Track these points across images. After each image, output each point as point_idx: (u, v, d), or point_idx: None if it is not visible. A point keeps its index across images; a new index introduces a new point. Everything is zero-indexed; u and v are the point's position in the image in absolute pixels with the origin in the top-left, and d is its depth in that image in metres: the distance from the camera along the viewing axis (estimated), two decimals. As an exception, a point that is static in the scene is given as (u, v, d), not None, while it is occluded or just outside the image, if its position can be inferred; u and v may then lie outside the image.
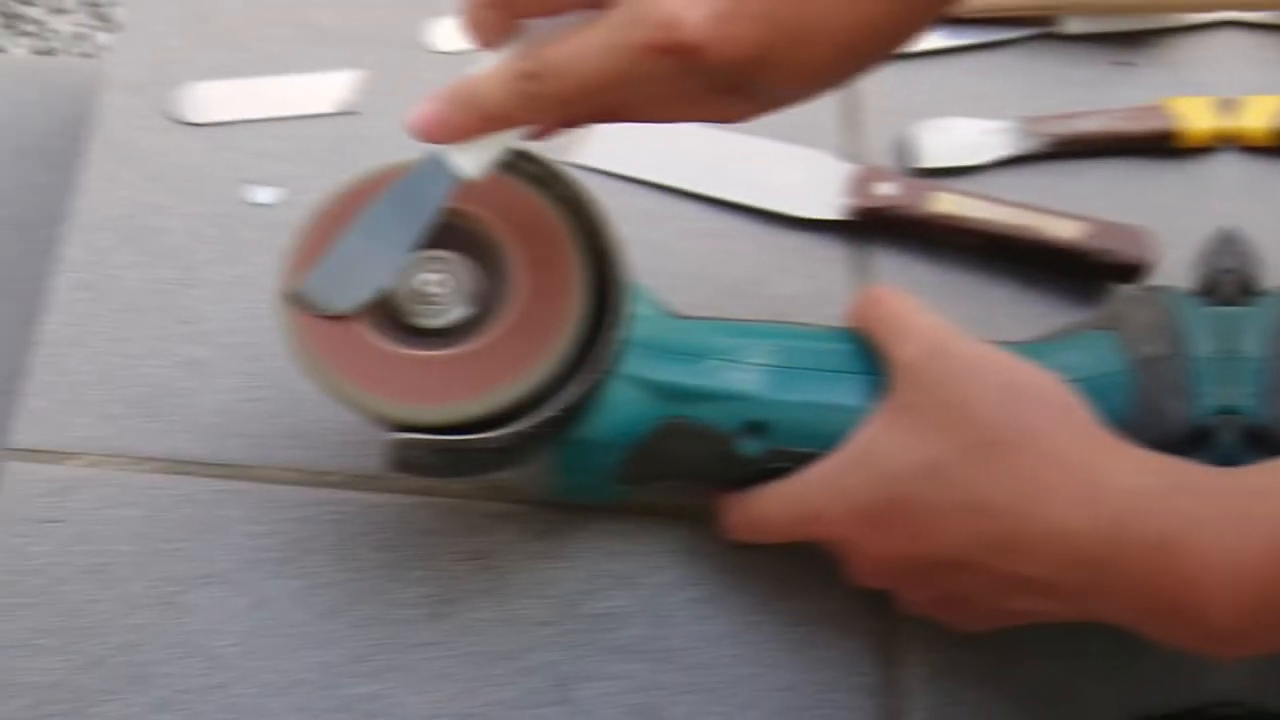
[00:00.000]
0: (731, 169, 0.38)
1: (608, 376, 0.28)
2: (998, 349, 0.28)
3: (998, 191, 0.37)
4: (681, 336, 0.30)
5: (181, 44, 0.41)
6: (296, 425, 0.34)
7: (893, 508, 0.27)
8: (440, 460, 0.28)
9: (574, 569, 0.32)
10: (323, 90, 0.38)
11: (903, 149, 0.39)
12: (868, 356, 0.29)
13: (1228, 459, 0.27)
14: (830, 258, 0.37)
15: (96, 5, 0.94)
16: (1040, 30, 0.41)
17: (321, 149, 0.39)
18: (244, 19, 0.42)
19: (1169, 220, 0.37)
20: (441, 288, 0.28)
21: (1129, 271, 0.35)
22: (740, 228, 0.37)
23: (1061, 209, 0.36)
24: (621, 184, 0.38)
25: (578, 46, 0.24)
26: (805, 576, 0.32)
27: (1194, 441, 0.28)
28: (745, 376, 0.29)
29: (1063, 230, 0.35)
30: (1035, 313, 0.35)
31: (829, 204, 0.37)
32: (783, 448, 0.29)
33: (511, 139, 0.27)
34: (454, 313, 0.28)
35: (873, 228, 0.37)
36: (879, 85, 0.39)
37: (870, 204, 0.36)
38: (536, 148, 0.29)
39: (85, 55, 0.92)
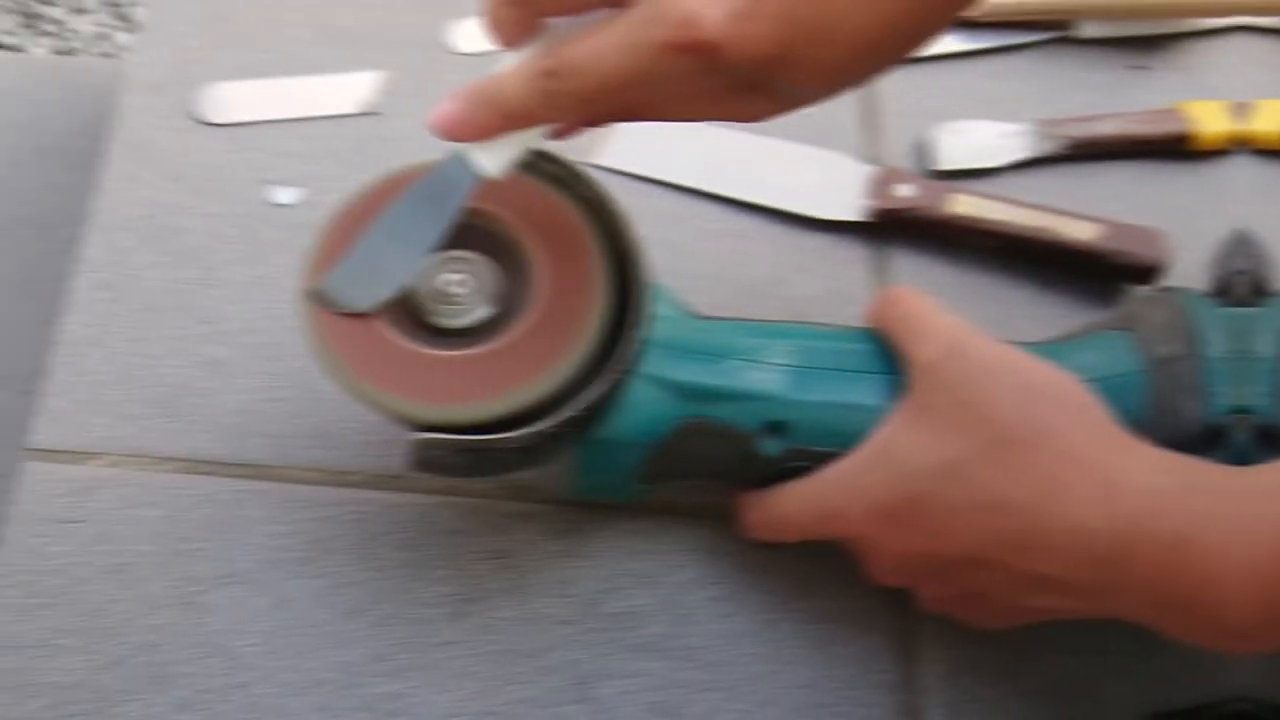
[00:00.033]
0: (752, 170, 0.39)
1: (629, 376, 0.29)
2: (1015, 349, 0.29)
3: (1015, 193, 0.38)
4: (702, 337, 0.31)
5: (202, 44, 0.42)
6: (318, 425, 0.35)
7: (911, 506, 0.28)
8: (462, 460, 0.29)
9: (595, 568, 0.33)
10: (344, 91, 0.40)
11: (921, 151, 0.40)
12: (887, 356, 0.31)
13: (1241, 458, 0.29)
14: (849, 259, 0.38)
15: (117, 5, 0.96)
16: (1057, 34, 0.42)
17: (343, 149, 0.40)
18: (265, 19, 0.43)
19: (1183, 222, 0.38)
20: (463, 288, 0.30)
21: (1144, 273, 0.36)
22: (760, 229, 0.39)
23: (1078, 211, 0.37)
24: (642, 185, 0.40)
25: (597, 44, 0.25)
26: (825, 575, 0.33)
27: (1208, 441, 0.29)
28: (765, 376, 0.30)
29: (1079, 232, 0.37)
30: (1052, 313, 0.37)
31: (848, 205, 0.38)
32: (802, 447, 0.30)
33: (533, 138, 0.28)
34: (476, 313, 0.30)
35: (892, 229, 0.38)
36: (898, 88, 0.41)
37: (889, 205, 0.38)
38: (557, 149, 0.30)
39: (105, 55, 0.94)
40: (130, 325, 0.37)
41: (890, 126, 0.41)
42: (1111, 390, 0.29)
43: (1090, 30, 0.42)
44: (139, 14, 0.98)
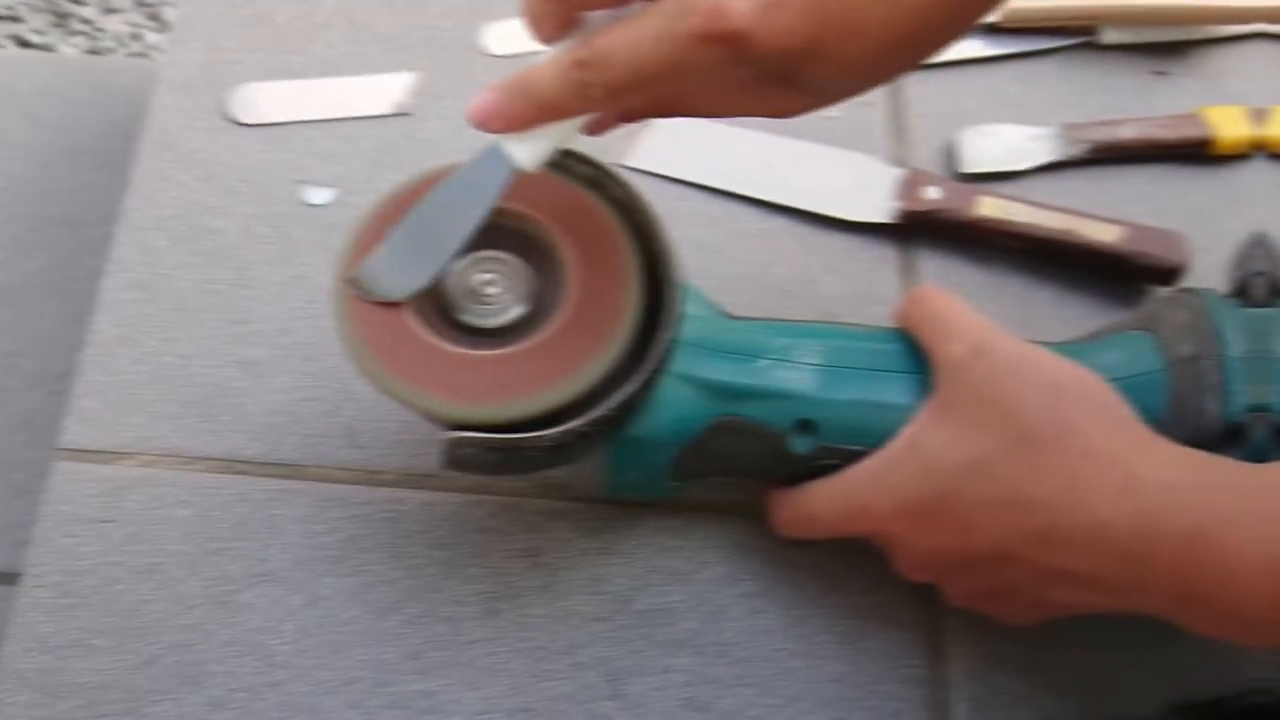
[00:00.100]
0: (782, 173, 0.42)
1: (660, 375, 0.32)
2: (1040, 348, 0.32)
3: (1040, 196, 0.42)
4: (733, 336, 0.33)
5: (235, 44, 0.45)
6: (350, 424, 0.38)
7: (938, 503, 0.31)
8: (494, 458, 0.31)
9: (626, 565, 0.36)
10: (377, 92, 0.43)
11: (948, 154, 0.43)
12: (914, 356, 0.33)
13: (1260, 455, 0.31)
14: (878, 259, 0.41)
15: (147, 5, 1.00)
16: (1080, 40, 0.46)
17: (375, 150, 0.43)
18: (297, 20, 0.46)
19: (1203, 225, 0.41)
20: (496, 287, 0.32)
21: (1165, 274, 0.39)
22: (790, 230, 0.42)
23: (1101, 213, 0.40)
24: (673, 186, 0.43)
25: (629, 35, 0.27)
26: (853, 571, 0.36)
27: (1227, 438, 0.32)
28: (795, 375, 0.33)
29: (1102, 234, 0.40)
30: (1075, 313, 0.40)
31: (877, 207, 0.41)
32: (832, 445, 0.33)
33: (568, 131, 0.30)
34: (508, 312, 0.32)
35: (919, 230, 0.41)
36: (925, 92, 0.44)
37: (917, 207, 0.41)
38: (590, 150, 0.33)
39: (136, 55, 0.98)
40: (162, 325, 0.40)
41: (918, 130, 0.44)
42: (1133, 389, 0.31)
43: (1112, 36, 0.45)
44: (170, 14, 1.01)
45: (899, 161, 0.43)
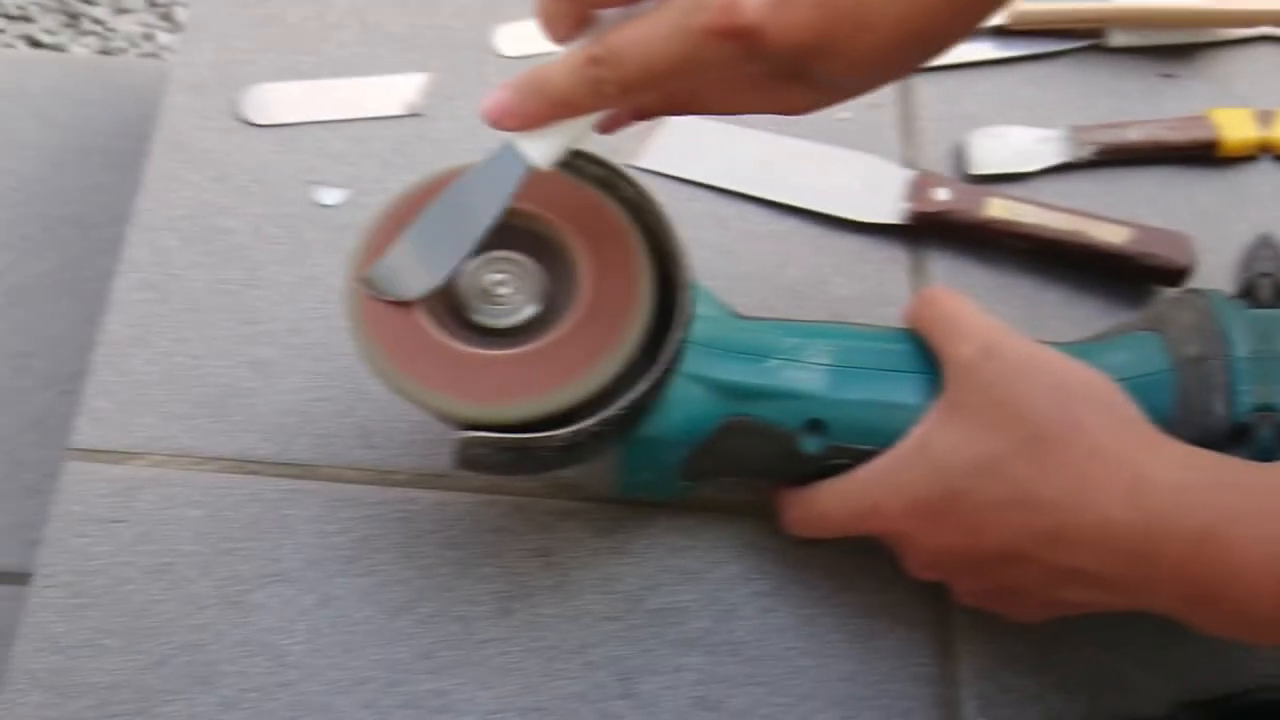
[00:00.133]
0: (792, 174, 0.43)
1: (672, 375, 0.33)
2: (1049, 349, 0.33)
3: (1048, 197, 0.43)
4: (744, 336, 0.35)
5: (246, 45, 0.46)
6: (362, 424, 0.39)
7: (947, 502, 0.32)
8: (506, 458, 0.32)
9: (638, 564, 0.37)
10: (389, 93, 0.44)
11: (958, 156, 0.45)
12: (924, 356, 0.34)
13: (1266, 454, 0.32)
14: (888, 260, 0.42)
15: (159, 5, 1.01)
16: (1089, 43, 0.47)
17: (387, 151, 0.44)
18: (309, 21, 0.47)
19: (1210, 226, 0.43)
20: (508, 288, 0.33)
21: (1172, 275, 0.41)
22: (800, 231, 0.43)
23: (1109, 215, 0.41)
24: (684, 187, 0.44)
25: (641, 31, 0.28)
26: (864, 570, 0.37)
27: (1234, 438, 0.33)
28: (806, 375, 0.34)
29: (1109, 235, 0.41)
30: (1083, 314, 0.41)
31: (887, 208, 0.42)
32: (842, 445, 0.34)
33: (582, 129, 0.31)
34: (520, 312, 0.33)
35: (928, 231, 0.43)
36: (935, 94, 0.45)
37: (926, 208, 0.42)
38: (601, 150, 0.34)
39: (147, 55, 0.99)
40: (174, 325, 0.41)
41: (928, 131, 0.45)
42: (1141, 389, 0.32)
43: (1120, 39, 0.46)
44: (182, 14, 1.03)
45: (909, 163, 0.44)
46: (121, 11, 0.97)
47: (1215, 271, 0.41)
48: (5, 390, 0.42)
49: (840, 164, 0.43)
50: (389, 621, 0.36)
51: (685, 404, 0.33)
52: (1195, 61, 0.47)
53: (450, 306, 0.32)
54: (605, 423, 0.31)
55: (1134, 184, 0.44)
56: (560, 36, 0.30)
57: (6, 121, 0.44)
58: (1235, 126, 0.43)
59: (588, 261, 0.32)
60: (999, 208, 0.41)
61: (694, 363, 0.33)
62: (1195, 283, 0.40)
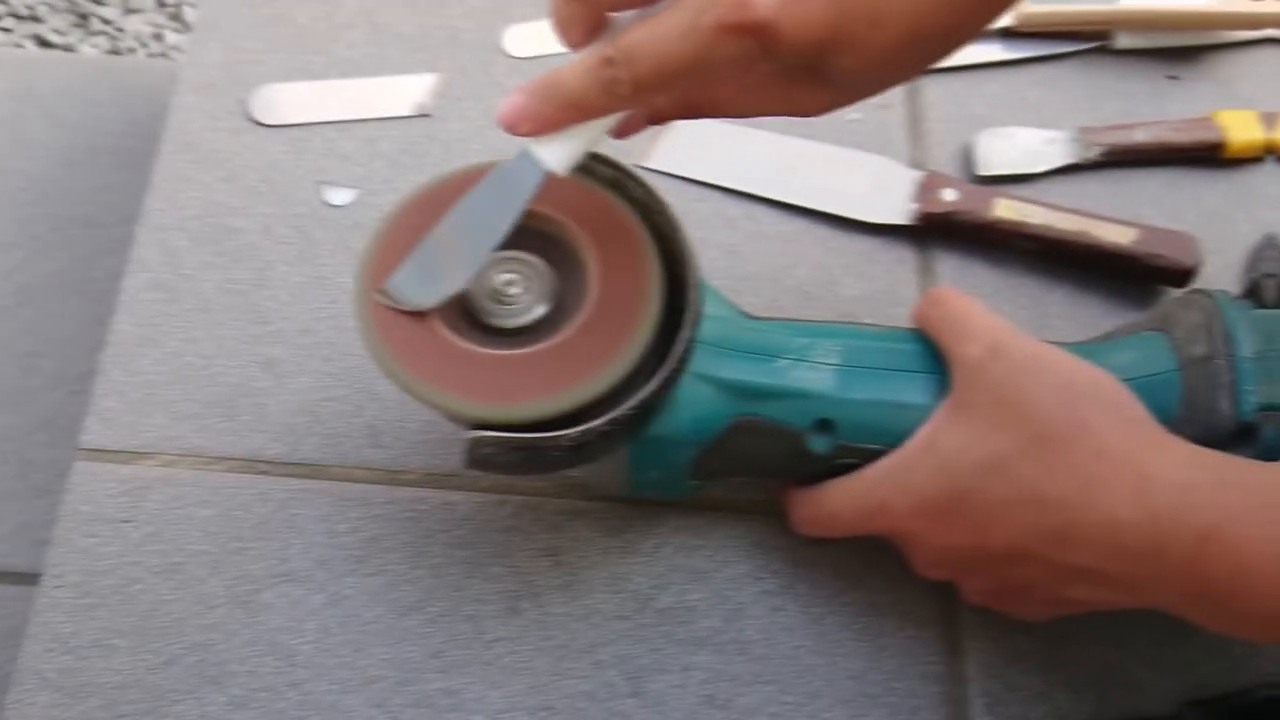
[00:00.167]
0: (801, 175, 0.44)
1: (681, 375, 0.33)
2: (1055, 349, 0.33)
3: (1055, 198, 0.44)
4: (753, 336, 0.35)
5: (256, 45, 0.47)
6: (372, 424, 0.40)
7: (955, 501, 0.32)
8: (515, 458, 0.33)
9: (647, 564, 0.38)
10: (398, 93, 0.44)
11: (965, 157, 0.46)
12: (932, 356, 0.35)
13: (1271, 453, 0.33)
14: (896, 261, 0.43)
15: (168, 5, 1.02)
16: (1095, 44, 0.48)
17: (396, 151, 0.45)
18: (318, 21, 0.48)
19: (1215, 227, 0.44)
20: (518, 288, 0.33)
21: (1178, 275, 0.42)
22: (809, 231, 0.44)
23: (1115, 215, 0.42)
24: (694, 188, 0.45)
25: (654, 30, 0.29)
26: (872, 569, 0.38)
27: (1239, 437, 0.33)
28: (815, 375, 0.35)
29: (1115, 236, 0.42)
30: (1089, 314, 0.42)
31: (895, 209, 0.43)
32: (850, 444, 0.34)
33: (597, 133, 0.31)
34: (530, 313, 0.33)
35: (936, 232, 0.43)
36: (943, 95, 0.46)
37: (934, 209, 0.43)
38: (610, 151, 0.34)
39: (156, 55, 1.00)
40: (183, 325, 0.41)
41: (935, 133, 0.46)
42: (1147, 389, 0.33)
43: (1126, 41, 0.47)
44: (191, 14, 1.04)
45: (917, 164, 0.45)
46: (131, 11, 0.99)
47: (1221, 272, 0.42)
48: (14, 390, 0.43)
49: (848, 165, 0.44)
50: (398, 621, 0.37)
51: (694, 404, 0.34)
52: (1201, 64, 0.48)
53: (460, 307, 0.33)
54: (614, 422, 0.32)
55: (1140, 185, 0.45)
56: (575, 41, 0.30)
57: (16, 121, 0.45)
58: (1240, 128, 0.44)
59: (597, 262, 0.33)
60: (1006, 208, 0.42)
61: (703, 362, 0.34)
62: (1201, 283, 0.41)
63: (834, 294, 0.42)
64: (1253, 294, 0.38)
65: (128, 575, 0.37)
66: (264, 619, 0.36)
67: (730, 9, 0.27)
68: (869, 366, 0.35)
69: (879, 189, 0.43)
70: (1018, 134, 0.45)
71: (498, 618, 0.37)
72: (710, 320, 0.34)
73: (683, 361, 0.32)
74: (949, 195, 0.43)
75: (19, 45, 0.97)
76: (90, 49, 0.97)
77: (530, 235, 0.33)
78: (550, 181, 0.31)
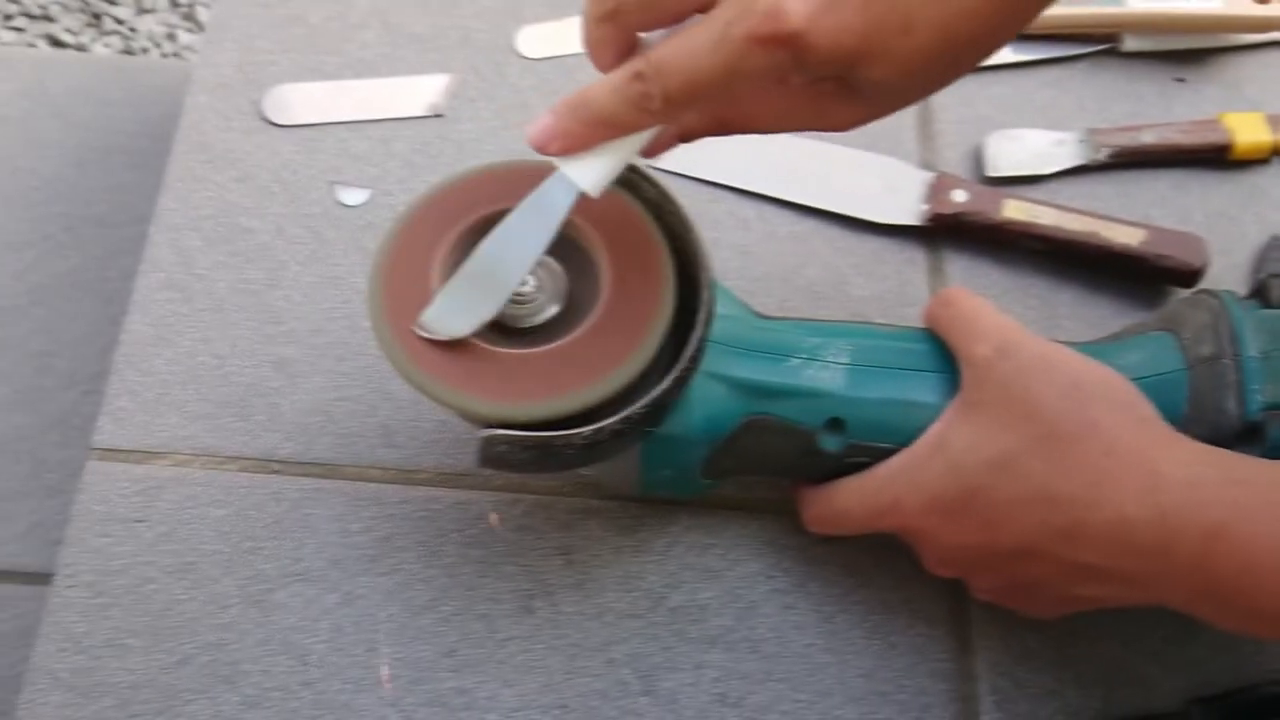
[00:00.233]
0: (813, 176, 0.46)
1: (693, 374, 0.34)
2: (1064, 348, 0.34)
3: (1063, 199, 0.45)
4: (764, 336, 0.36)
5: (269, 45, 0.48)
6: (385, 424, 0.41)
7: (964, 500, 0.33)
8: (528, 457, 0.33)
9: (659, 562, 0.39)
10: (411, 93, 0.45)
11: (975, 158, 0.47)
12: (942, 355, 0.36)
13: (1277, 452, 0.34)
14: (906, 261, 0.44)
15: (181, 5, 1.03)
16: (1104, 47, 0.49)
17: (409, 151, 0.46)
18: (331, 21, 0.49)
19: (1222, 228, 0.45)
20: (531, 288, 0.34)
21: (1185, 276, 0.43)
22: (821, 232, 0.45)
23: (1123, 216, 0.44)
24: (706, 188, 0.46)
25: (685, 43, 0.29)
26: (882, 568, 0.39)
27: (1246, 436, 0.34)
28: (826, 374, 0.36)
29: (1123, 236, 0.43)
30: (1097, 314, 0.43)
31: (906, 210, 0.45)
32: (861, 443, 0.35)
33: (629, 151, 0.32)
34: (544, 312, 0.34)
35: (946, 232, 0.45)
36: (953, 97, 0.47)
37: (944, 210, 0.44)
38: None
39: (170, 55, 1.01)
40: (196, 325, 0.42)
41: (946, 134, 0.47)
42: (1155, 388, 0.34)
43: (1134, 44, 0.49)
44: (204, 14, 1.05)
45: (927, 165, 0.46)
46: (144, 11, 1.00)
47: (1227, 272, 0.44)
48: (28, 390, 0.44)
49: (859, 166, 0.45)
50: (411, 620, 0.38)
51: (706, 403, 0.35)
52: (1208, 66, 0.49)
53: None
54: (627, 421, 0.32)
55: (1148, 186, 0.46)
56: (606, 64, 0.31)
57: (29, 121, 0.46)
58: (1247, 130, 0.46)
59: (610, 262, 0.34)
60: (1015, 209, 0.44)
61: (715, 362, 0.35)
62: (1208, 283, 0.42)
63: (845, 294, 0.43)
64: (1259, 294, 0.39)
65: (141, 575, 0.38)
66: (277, 618, 0.38)
67: (761, 20, 0.28)
68: (880, 366, 0.36)
69: (889, 190, 0.45)
70: (1027, 135, 0.46)
71: (511, 616, 0.38)
72: (722, 320, 0.35)
73: (695, 361, 0.33)
74: (959, 196, 0.44)
75: (32, 45, 0.98)
76: (103, 49, 0.98)
77: None
78: (594, 197, 0.32)
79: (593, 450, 0.33)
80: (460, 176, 0.35)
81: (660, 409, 0.33)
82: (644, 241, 0.34)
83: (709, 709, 0.37)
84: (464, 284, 0.33)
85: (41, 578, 0.40)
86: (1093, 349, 0.36)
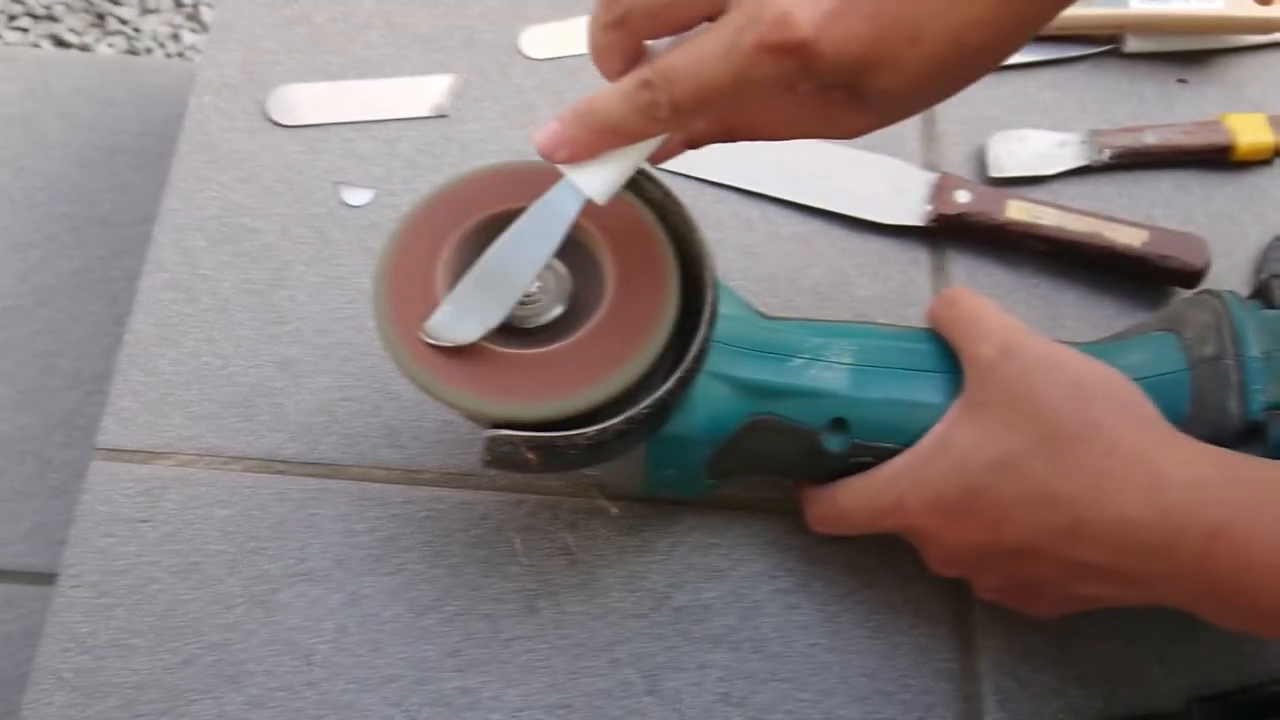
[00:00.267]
0: (816, 176, 0.46)
1: (697, 374, 0.34)
2: (1067, 348, 0.35)
3: (1066, 200, 0.46)
4: (768, 336, 0.37)
5: (273, 46, 0.49)
6: (389, 424, 0.41)
7: (968, 499, 0.34)
8: (533, 456, 0.33)
9: (663, 562, 0.40)
10: (415, 94, 0.46)
11: (979, 159, 0.47)
12: (945, 355, 0.36)
13: (1278, 452, 0.34)
14: (910, 262, 0.45)
15: (185, 5, 1.04)
16: (1106, 48, 0.50)
17: (413, 152, 0.46)
18: (336, 22, 0.50)
19: (1225, 229, 0.46)
20: (535, 288, 0.34)
21: (1187, 276, 0.43)
22: (825, 232, 0.46)
23: (1125, 217, 0.44)
24: (711, 189, 0.47)
25: (693, 51, 0.29)
26: (886, 567, 0.39)
27: (1247, 436, 0.35)
28: (829, 375, 0.36)
29: (1126, 237, 0.43)
30: (1100, 314, 0.44)
31: (910, 211, 0.45)
32: (865, 443, 0.36)
33: (636, 158, 0.32)
34: (548, 312, 0.34)
35: (949, 233, 0.45)
36: (956, 98, 0.47)
37: (948, 211, 0.45)
38: None
39: (173, 55, 1.02)
40: (201, 325, 0.43)
41: (949, 135, 0.48)
42: (1157, 388, 0.35)
43: (1136, 45, 0.49)
44: (208, 14, 1.06)
45: (930, 166, 0.47)
46: (148, 11, 1.01)
47: (1229, 273, 0.44)
48: (32, 390, 0.45)
49: (863, 167, 0.46)
50: (416, 620, 0.38)
51: (710, 403, 0.35)
52: (1210, 67, 0.49)
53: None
54: (631, 421, 0.33)
55: (1150, 187, 0.47)
56: (613, 71, 0.31)
57: (33, 121, 0.47)
58: (1249, 131, 0.46)
59: (614, 262, 0.34)
60: (1018, 210, 0.44)
61: (719, 362, 0.35)
62: (1210, 284, 0.43)
63: (848, 294, 0.44)
64: (1261, 295, 0.40)
65: (145, 575, 0.38)
66: (282, 618, 0.38)
67: (770, 28, 0.28)
68: (883, 366, 0.36)
69: (893, 191, 0.45)
70: (1030, 136, 0.47)
71: (515, 616, 0.38)
72: (726, 320, 0.35)
73: (699, 361, 0.34)
74: (962, 197, 0.44)
75: (36, 45, 0.99)
76: (107, 49, 0.99)
77: None
78: (600, 204, 0.32)
79: (597, 450, 0.33)
80: (465, 177, 0.35)
81: (664, 409, 0.34)
82: (648, 242, 0.34)
83: (713, 708, 0.37)
84: (470, 290, 0.33)
85: (46, 578, 0.40)
86: (1095, 349, 0.36)
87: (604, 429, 0.33)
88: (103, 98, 0.47)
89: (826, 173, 0.46)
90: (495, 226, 0.34)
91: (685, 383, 0.33)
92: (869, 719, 0.37)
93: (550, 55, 0.48)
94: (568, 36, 0.47)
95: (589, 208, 0.33)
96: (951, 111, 0.48)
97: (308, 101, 0.46)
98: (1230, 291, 0.37)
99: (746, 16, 0.28)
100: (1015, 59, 0.48)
